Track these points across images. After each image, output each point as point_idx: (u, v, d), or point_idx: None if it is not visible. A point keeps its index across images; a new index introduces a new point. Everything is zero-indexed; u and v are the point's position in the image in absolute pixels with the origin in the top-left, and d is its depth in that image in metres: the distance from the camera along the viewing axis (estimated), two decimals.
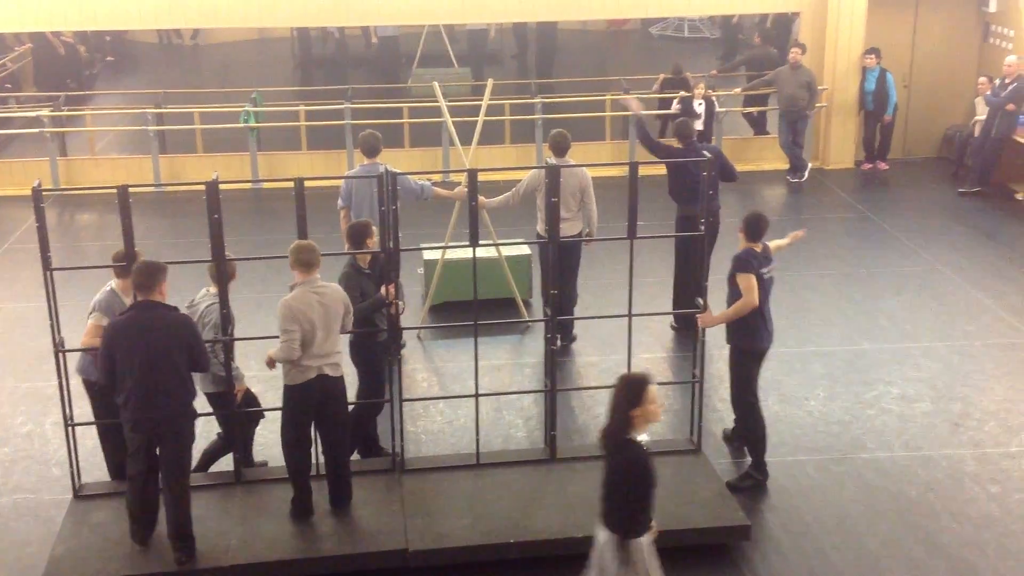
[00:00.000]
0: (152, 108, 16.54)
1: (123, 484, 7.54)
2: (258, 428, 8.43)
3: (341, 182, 10.26)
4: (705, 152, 9.64)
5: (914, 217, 14.34)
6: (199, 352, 7.01)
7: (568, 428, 9.02)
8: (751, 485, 8.23)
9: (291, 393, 7.29)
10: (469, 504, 7.70)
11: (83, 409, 8.11)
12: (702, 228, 8.10)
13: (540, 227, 9.96)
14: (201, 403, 7.80)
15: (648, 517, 5.92)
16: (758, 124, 18.02)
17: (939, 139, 17.06)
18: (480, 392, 8.30)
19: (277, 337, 7.19)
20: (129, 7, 15.91)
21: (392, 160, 10.35)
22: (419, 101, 17.80)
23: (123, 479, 7.44)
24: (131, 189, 7.40)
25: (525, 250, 11.48)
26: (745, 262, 7.93)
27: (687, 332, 9.93)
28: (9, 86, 20.89)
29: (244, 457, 8.10)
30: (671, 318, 10.93)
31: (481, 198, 9.23)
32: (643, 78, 18.49)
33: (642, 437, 5.89)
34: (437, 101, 11.24)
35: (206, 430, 8.30)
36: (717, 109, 16.04)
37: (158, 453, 7.07)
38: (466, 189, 7.96)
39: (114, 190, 7.33)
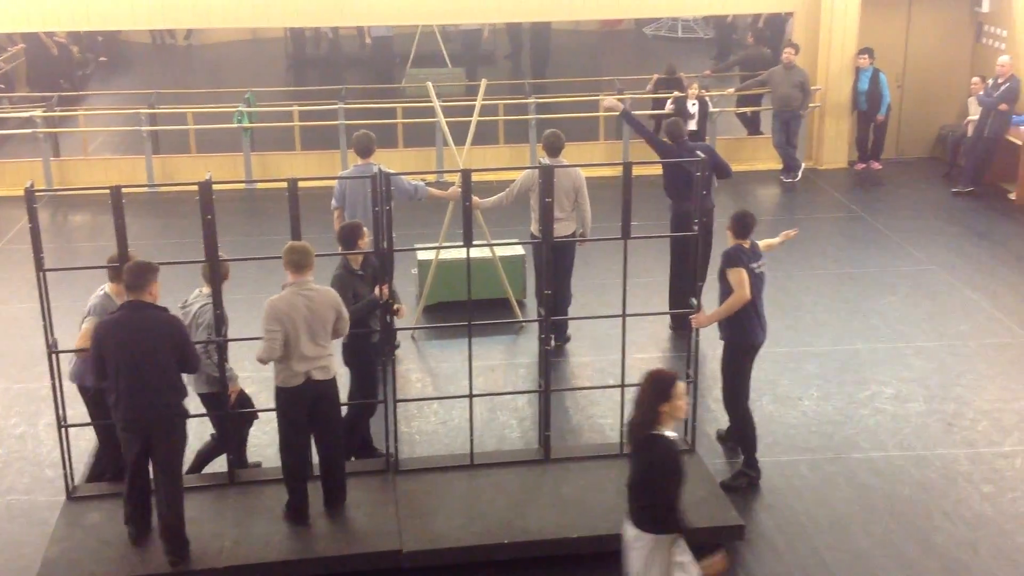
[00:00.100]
0: (145, 108, 16.51)
1: (116, 485, 7.55)
2: (252, 429, 8.43)
3: (335, 182, 10.25)
4: (698, 152, 9.68)
5: (907, 217, 14.36)
6: (188, 353, 7.01)
7: (562, 428, 9.02)
8: (745, 484, 8.24)
9: (281, 395, 7.29)
10: (463, 505, 7.70)
11: (76, 410, 8.09)
12: (696, 227, 8.11)
13: (534, 227, 9.95)
14: (195, 404, 7.81)
15: (677, 513, 5.91)
16: (752, 124, 18.04)
17: (932, 139, 17.09)
18: (474, 393, 8.30)
19: (293, 338, 7.18)
20: (122, 7, 15.88)
21: (386, 160, 10.34)
22: (413, 101, 17.80)
23: (120, 480, 7.43)
24: (124, 189, 7.40)
25: (519, 250, 11.47)
26: (735, 257, 8.00)
27: (683, 332, 9.94)
28: (2, 86, 20.86)
29: (238, 458, 8.09)
30: (669, 319, 10.93)
31: (475, 198, 9.21)
32: (637, 78, 18.51)
33: (669, 433, 5.91)
34: (431, 101, 11.23)
35: (200, 431, 8.28)
36: (711, 109, 16.05)
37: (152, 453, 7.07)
38: (460, 189, 7.95)
39: (107, 190, 7.32)
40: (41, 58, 21.64)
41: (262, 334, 7.11)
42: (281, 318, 7.06)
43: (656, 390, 5.87)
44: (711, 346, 8.99)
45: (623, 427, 8.29)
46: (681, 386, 5.93)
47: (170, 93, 19.22)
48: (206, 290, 7.70)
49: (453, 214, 10.66)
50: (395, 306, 8.23)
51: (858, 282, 12.21)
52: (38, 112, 16.28)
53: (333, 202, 10.07)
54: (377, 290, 7.86)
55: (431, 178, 14.58)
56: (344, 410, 7.93)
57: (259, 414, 8.32)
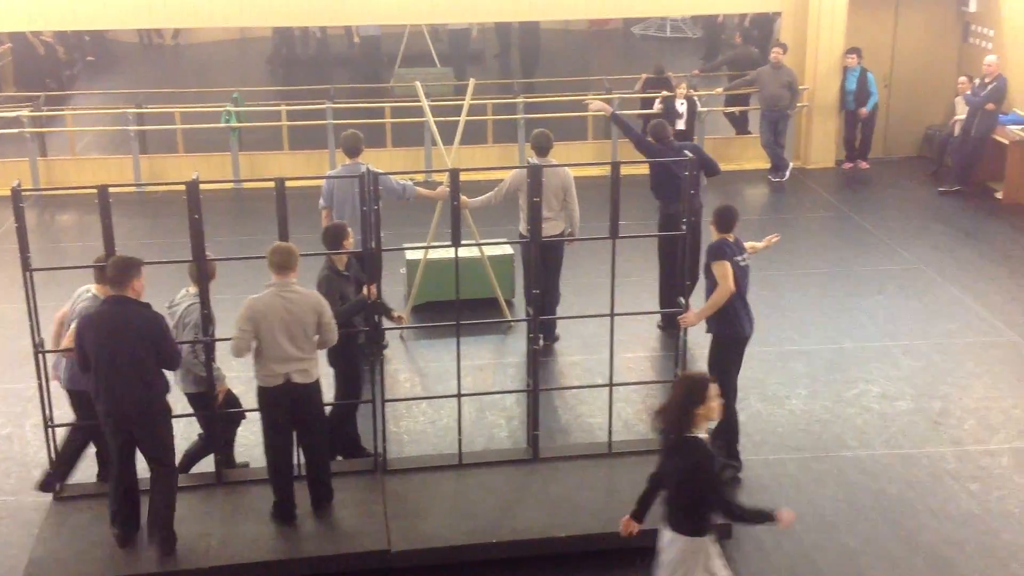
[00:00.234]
0: (133, 108, 16.46)
1: (104, 485, 7.53)
2: (239, 429, 8.41)
3: (323, 182, 10.24)
4: (686, 152, 9.69)
5: (895, 216, 14.40)
6: (167, 349, 7.00)
7: (551, 428, 9.02)
8: (731, 476, 8.30)
9: (260, 395, 7.29)
10: (452, 504, 7.70)
11: (64, 411, 8.07)
12: (684, 227, 8.13)
13: (522, 227, 9.95)
14: (182, 404, 7.80)
15: (711, 516, 5.94)
16: (740, 124, 18.07)
17: (919, 138, 17.14)
18: (463, 392, 8.29)
19: (269, 339, 7.17)
20: (109, 7, 15.83)
21: (374, 160, 10.33)
22: (401, 101, 17.79)
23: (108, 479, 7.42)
24: (111, 189, 7.38)
25: (508, 250, 11.47)
26: (719, 250, 8.08)
27: (672, 331, 9.95)
28: None
29: (225, 458, 8.08)
30: (658, 318, 10.95)
31: (463, 198, 9.22)
32: (625, 78, 18.52)
33: (702, 435, 5.93)
34: (419, 101, 11.23)
35: (188, 431, 8.27)
36: (699, 109, 16.07)
37: (139, 451, 7.07)
38: (448, 189, 7.94)
39: (94, 190, 7.30)
40: (28, 58, 21.58)
41: (233, 330, 7.12)
42: (256, 317, 7.05)
43: (690, 394, 5.89)
44: (700, 345, 9.00)
45: (611, 426, 8.33)
46: (714, 388, 5.95)
47: (158, 93, 19.17)
48: (193, 290, 7.69)
49: (441, 214, 10.65)
50: (395, 315, 8.28)
51: (846, 281, 12.24)
52: (25, 112, 16.20)
53: (321, 201, 10.06)
54: (365, 290, 7.85)
55: (419, 178, 14.57)
56: (328, 409, 7.92)
57: (246, 414, 8.30)
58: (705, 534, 5.94)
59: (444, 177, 9.08)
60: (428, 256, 10.94)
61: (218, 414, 7.82)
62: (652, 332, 10.95)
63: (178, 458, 7.81)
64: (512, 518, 7.53)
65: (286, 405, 7.24)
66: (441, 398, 9.45)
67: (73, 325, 7.47)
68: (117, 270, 6.92)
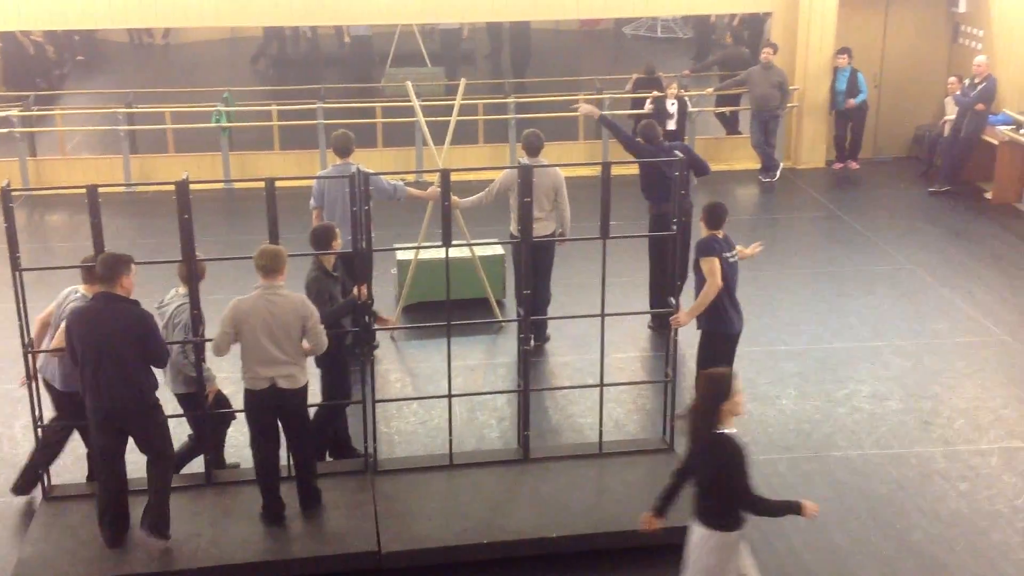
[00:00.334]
0: (123, 108, 16.42)
1: (94, 486, 7.51)
2: (229, 430, 8.39)
3: (313, 182, 10.22)
4: (676, 152, 9.70)
5: (885, 216, 14.43)
6: (153, 347, 6.99)
7: (542, 428, 9.03)
8: None
9: (246, 397, 7.29)
10: (442, 505, 7.69)
11: (53, 411, 8.04)
12: (674, 227, 8.14)
13: (513, 227, 9.96)
14: (172, 405, 7.78)
15: (742, 511, 5.96)
16: (730, 124, 18.09)
17: (909, 139, 17.17)
18: (453, 393, 8.29)
19: (252, 341, 7.16)
20: (99, 6, 15.79)
21: (365, 160, 10.32)
22: (392, 101, 17.77)
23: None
24: (101, 189, 7.36)
25: (498, 250, 11.47)
26: (708, 247, 8.16)
27: (663, 332, 9.97)
28: None
29: (215, 459, 8.06)
30: (649, 318, 10.96)
31: (454, 198, 9.22)
32: (616, 78, 18.53)
33: (730, 430, 5.94)
34: (410, 101, 11.22)
35: (178, 432, 8.24)
36: (690, 109, 16.08)
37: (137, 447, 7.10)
38: (439, 189, 7.94)
39: (84, 190, 7.28)
40: (17, 57, 21.50)
41: (216, 329, 7.13)
42: (239, 318, 7.06)
43: (718, 390, 5.91)
44: (691, 345, 9.01)
45: (601, 426, 8.34)
46: (739, 382, 5.98)
47: (148, 92, 19.10)
48: (182, 290, 7.67)
49: (432, 214, 10.65)
50: (383, 316, 8.29)
51: (835, 281, 12.27)
52: (14, 111, 16.16)
53: (312, 202, 10.04)
54: (356, 290, 7.83)
55: (410, 178, 14.57)
56: (314, 410, 7.91)
57: (236, 415, 8.29)
58: (736, 529, 5.95)
59: (435, 177, 9.09)
60: (419, 256, 10.94)
61: (208, 415, 7.80)
62: (643, 332, 10.96)
63: None
64: (503, 518, 7.53)
65: (270, 409, 7.23)
66: (432, 398, 9.44)
67: (64, 323, 7.46)
68: (105, 266, 6.93)
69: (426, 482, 7.95)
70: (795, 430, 9.13)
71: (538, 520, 7.49)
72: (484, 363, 10.41)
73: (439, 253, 9.94)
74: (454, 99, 10.97)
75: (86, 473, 8.09)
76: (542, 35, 26.59)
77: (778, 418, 9.31)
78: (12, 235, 7.30)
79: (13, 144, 15.94)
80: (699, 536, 6.01)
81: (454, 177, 7.88)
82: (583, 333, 10.52)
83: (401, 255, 11.39)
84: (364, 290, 7.81)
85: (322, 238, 7.98)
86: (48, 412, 7.92)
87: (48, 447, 7.92)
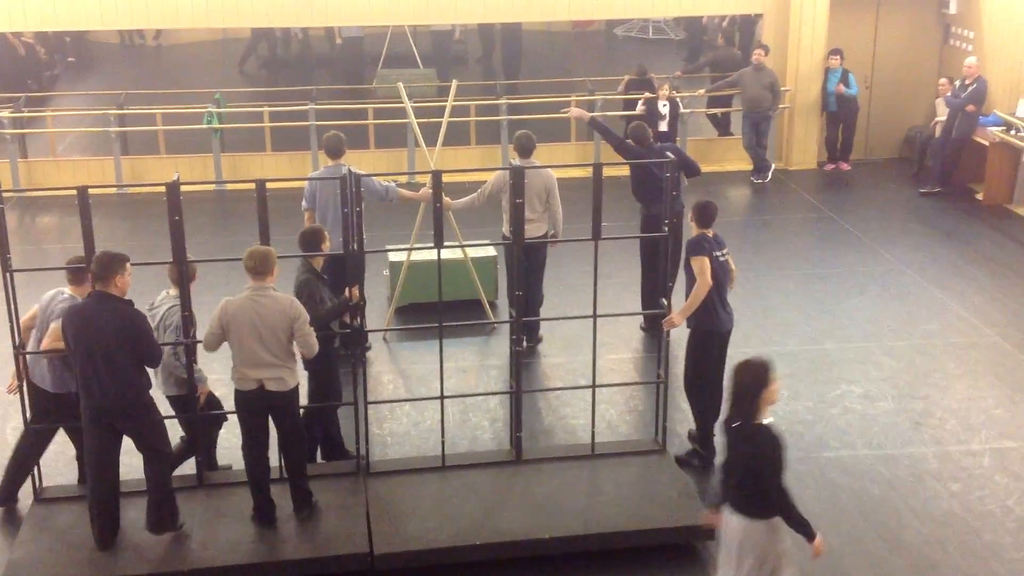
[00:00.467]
0: (114, 109, 16.39)
1: (84, 488, 7.48)
2: (222, 431, 8.37)
3: (305, 184, 10.21)
4: (667, 153, 9.73)
5: (876, 217, 14.46)
6: (146, 347, 6.98)
7: (534, 429, 9.02)
8: (698, 463, 8.47)
9: (236, 397, 7.28)
10: (435, 506, 7.68)
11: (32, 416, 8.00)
12: (665, 228, 8.16)
13: (505, 228, 9.95)
14: (164, 407, 7.75)
15: (784, 496, 5.94)
16: (722, 125, 18.11)
17: (900, 140, 17.21)
18: (446, 394, 8.28)
19: (239, 342, 7.15)
20: (90, 7, 15.76)
21: (357, 161, 10.33)
22: (384, 102, 17.76)
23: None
24: (91, 190, 7.35)
25: (491, 251, 11.47)
26: (698, 246, 8.16)
27: (655, 333, 9.97)
28: None
29: (207, 460, 8.04)
30: (641, 319, 10.97)
31: (446, 199, 9.22)
32: (608, 79, 18.53)
33: (767, 420, 5.95)
34: (402, 102, 11.21)
35: (170, 434, 8.21)
36: (681, 110, 16.10)
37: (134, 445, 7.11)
38: (431, 190, 7.93)
39: (75, 191, 7.26)
40: (8, 59, 21.42)
41: (206, 327, 7.15)
42: (226, 319, 7.06)
43: (757, 379, 5.92)
44: (682, 346, 9.01)
45: (594, 428, 8.33)
46: (775, 370, 5.98)
47: (139, 94, 19.06)
48: (173, 292, 7.66)
49: (424, 215, 10.63)
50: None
51: (827, 282, 12.28)
52: (5, 113, 16.11)
53: (303, 203, 10.03)
54: (347, 291, 7.82)
55: (402, 179, 14.56)
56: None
57: (228, 416, 8.26)
58: (776, 515, 5.95)
59: (427, 178, 9.07)
60: (411, 258, 10.92)
61: (200, 416, 7.78)
62: (635, 333, 10.96)
63: None
64: (495, 520, 7.52)
65: (259, 410, 7.22)
66: (424, 400, 9.43)
67: (53, 326, 7.45)
68: (100, 265, 6.92)
69: (418, 484, 7.93)
70: (787, 431, 9.07)
71: (531, 521, 7.48)
72: (476, 364, 10.40)
73: (431, 254, 9.94)
74: (446, 100, 10.96)
75: (77, 475, 8.06)
76: (534, 36, 26.59)
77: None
78: (3, 236, 7.28)
79: (4, 146, 15.89)
80: (742, 526, 5.98)
81: (446, 178, 7.88)
82: (575, 334, 10.52)
83: (393, 256, 11.38)
84: (356, 292, 7.80)
85: (311, 240, 7.96)
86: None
87: (23, 455, 7.87)
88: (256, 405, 7.18)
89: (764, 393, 5.91)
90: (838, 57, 16.11)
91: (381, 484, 7.89)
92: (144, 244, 13.00)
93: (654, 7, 18.68)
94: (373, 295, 11.13)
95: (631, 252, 11.34)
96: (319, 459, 8.39)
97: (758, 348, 10.44)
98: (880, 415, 9.37)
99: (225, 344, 7.23)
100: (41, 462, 7.83)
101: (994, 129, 14.93)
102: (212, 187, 15.52)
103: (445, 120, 10.78)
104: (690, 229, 8.35)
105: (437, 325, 8.04)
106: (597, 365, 8.36)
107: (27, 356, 7.64)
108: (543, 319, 10.54)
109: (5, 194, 7.33)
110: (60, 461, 8.33)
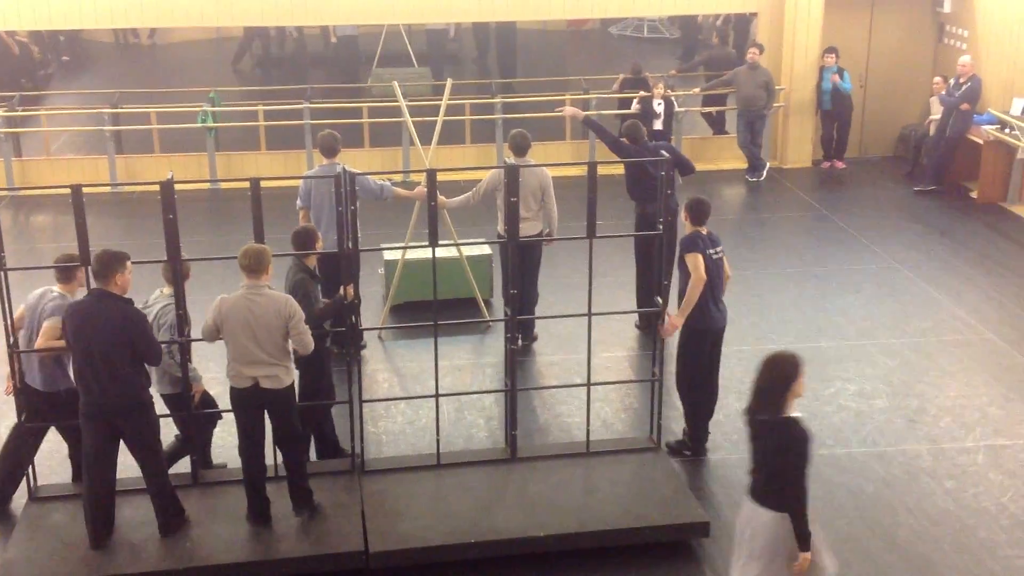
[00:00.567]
0: (108, 108, 16.36)
1: (80, 486, 7.48)
2: (216, 430, 8.37)
3: (300, 182, 10.20)
4: (662, 152, 9.74)
5: (870, 215, 14.47)
6: (145, 346, 6.97)
7: (529, 428, 9.03)
8: (688, 455, 8.54)
9: (231, 394, 7.28)
10: (430, 505, 7.68)
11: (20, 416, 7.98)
12: (660, 227, 8.16)
13: (501, 227, 9.95)
14: (159, 405, 7.74)
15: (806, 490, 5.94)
16: (717, 124, 18.13)
17: (895, 138, 17.24)
18: (441, 392, 8.28)
19: (233, 340, 7.14)
20: (84, 6, 15.74)
21: (351, 160, 10.32)
22: (378, 101, 17.75)
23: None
24: (86, 189, 7.33)
25: (486, 250, 11.47)
26: (692, 243, 8.19)
27: (650, 331, 9.98)
28: None
29: (202, 459, 8.03)
30: (636, 317, 10.98)
31: (441, 198, 9.22)
32: (603, 78, 18.54)
33: (796, 413, 5.93)
34: (397, 101, 11.21)
35: (165, 432, 8.20)
36: (676, 109, 16.10)
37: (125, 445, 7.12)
38: (426, 189, 7.93)
39: (69, 190, 7.25)
40: (2, 57, 21.38)
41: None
42: (220, 316, 7.07)
43: (786, 373, 5.91)
44: (677, 345, 9.02)
45: (589, 426, 8.34)
46: (804, 363, 5.97)
47: (133, 92, 19.02)
48: (167, 290, 7.65)
49: (419, 214, 10.63)
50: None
51: (822, 280, 12.30)
52: None
53: (298, 202, 10.02)
54: (342, 290, 7.82)
55: (397, 178, 14.56)
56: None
57: (223, 415, 8.26)
58: (804, 507, 5.92)
59: (422, 177, 9.07)
60: (406, 256, 10.92)
61: (194, 415, 7.77)
62: (630, 331, 10.97)
63: None
64: (490, 518, 7.52)
65: (255, 408, 7.21)
66: (419, 398, 9.43)
67: (46, 324, 7.43)
68: (100, 264, 6.92)
69: (413, 482, 7.93)
70: None
71: (526, 519, 7.48)
72: (471, 363, 10.40)
73: (426, 253, 9.94)
74: (441, 99, 10.96)
75: (71, 474, 8.05)
76: (529, 35, 26.59)
77: None
78: None
79: None
80: (771, 520, 5.93)
81: (441, 177, 7.87)
82: (570, 332, 10.52)
83: (388, 255, 11.38)
84: (351, 290, 7.80)
85: (304, 239, 7.95)
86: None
87: (12, 454, 7.86)
88: (251, 403, 7.17)
89: (793, 386, 5.88)
90: (833, 55, 16.13)
91: (376, 482, 7.89)
92: (138, 243, 12.98)
93: (649, 6, 18.71)
94: (368, 294, 11.14)
95: (626, 250, 11.35)
96: (313, 457, 8.38)
97: (753, 346, 10.46)
98: (875, 412, 9.38)
99: (220, 342, 7.23)
100: (35, 460, 7.82)
101: (988, 127, 14.96)
102: (206, 186, 15.51)
103: (440, 119, 10.77)
104: (683, 227, 8.36)
105: (432, 323, 8.04)
106: (592, 363, 8.37)
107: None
108: (538, 317, 10.54)
109: None
110: (54, 459, 8.32)
